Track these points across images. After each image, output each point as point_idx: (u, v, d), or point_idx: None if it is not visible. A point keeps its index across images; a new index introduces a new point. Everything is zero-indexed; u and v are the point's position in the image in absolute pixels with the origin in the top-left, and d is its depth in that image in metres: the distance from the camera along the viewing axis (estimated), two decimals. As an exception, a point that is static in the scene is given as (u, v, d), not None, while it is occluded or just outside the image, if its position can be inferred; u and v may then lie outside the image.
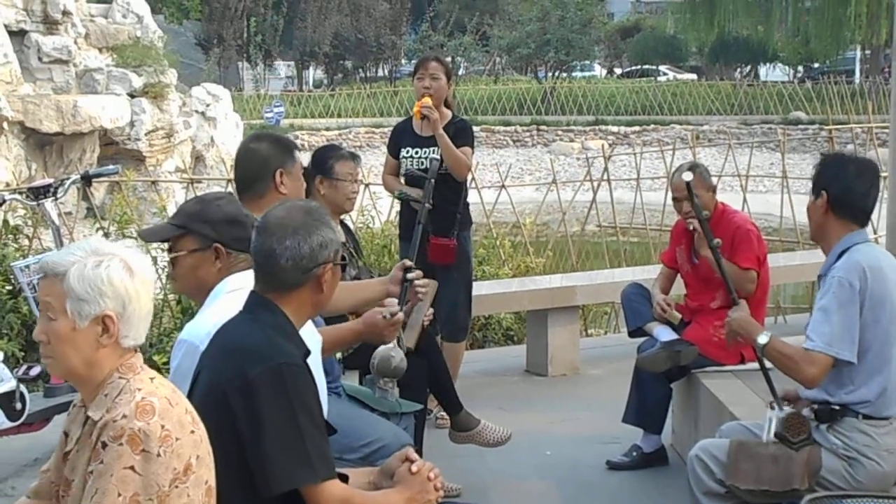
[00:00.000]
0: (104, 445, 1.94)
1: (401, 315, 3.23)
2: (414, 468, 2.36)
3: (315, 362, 2.52)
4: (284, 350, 2.31)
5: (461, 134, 4.97)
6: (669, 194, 8.76)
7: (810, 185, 3.27)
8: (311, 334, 2.65)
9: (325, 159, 4.24)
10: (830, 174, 3.21)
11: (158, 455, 1.93)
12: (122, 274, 2.03)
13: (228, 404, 2.23)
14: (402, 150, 5.06)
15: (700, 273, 4.53)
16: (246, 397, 2.24)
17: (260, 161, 3.26)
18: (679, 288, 4.86)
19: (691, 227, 4.46)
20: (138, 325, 2.06)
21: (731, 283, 3.47)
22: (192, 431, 2.03)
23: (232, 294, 2.66)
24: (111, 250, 2.07)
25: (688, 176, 3.57)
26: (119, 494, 1.92)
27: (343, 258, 2.48)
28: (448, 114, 5.03)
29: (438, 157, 4.85)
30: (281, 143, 3.33)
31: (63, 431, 2.18)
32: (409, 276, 3.41)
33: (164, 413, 1.98)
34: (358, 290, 3.67)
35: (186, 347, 2.59)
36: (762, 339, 3.17)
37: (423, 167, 4.84)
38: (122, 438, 1.93)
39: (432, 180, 4.01)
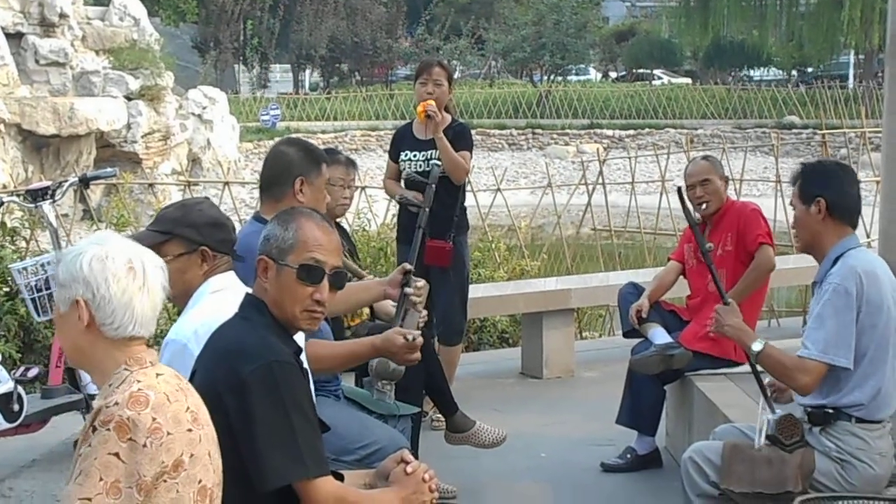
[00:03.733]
0: (94, 430, 1.97)
1: (420, 340, 3.19)
2: (409, 469, 2.38)
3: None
4: (275, 348, 2.35)
5: (460, 137, 4.99)
6: (664, 197, 8.89)
7: (795, 195, 3.28)
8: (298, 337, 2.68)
9: None
10: (822, 181, 3.23)
11: (144, 445, 1.95)
12: (94, 262, 2.06)
13: (222, 403, 2.26)
14: (402, 153, 5.08)
15: (705, 270, 4.54)
16: (238, 395, 2.27)
17: (284, 165, 3.28)
18: (681, 291, 4.89)
19: (704, 208, 4.49)
20: (115, 313, 2.06)
21: (721, 287, 3.50)
22: (190, 430, 2.03)
23: (215, 294, 2.71)
24: (108, 241, 2.10)
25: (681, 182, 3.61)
26: (101, 479, 1.93)
27: (307, 267, 2.42)
28: (448, 118, 5.05)
29: (439, 161, 4.87)
30: (310, 153, 3.33)
31: None
32: (407, 290, 3.44)
33: (158, 406, 2.00)
34: (355, 292, 3.69)
35: (174, 347, 2.63)
36: (756, 346, 3.19)
37: (423, 170, 4.86)
38: (111, 424, 1.95)
39: (433, 185, 4.02)
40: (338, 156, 4.35)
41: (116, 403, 1.98)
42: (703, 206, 4.49)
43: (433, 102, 4.89)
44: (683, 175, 4.64)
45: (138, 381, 2.04)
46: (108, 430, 1.95)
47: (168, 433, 1.98)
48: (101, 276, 2.06)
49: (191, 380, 2.39)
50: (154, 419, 1.98)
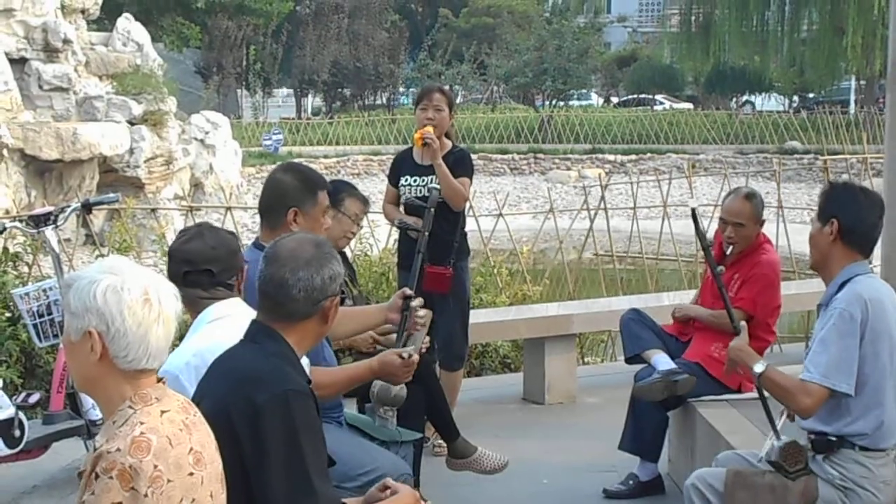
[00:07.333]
0: (97, 476, 1.94)
1: (416, 357, 3.20)
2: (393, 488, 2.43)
3: None
4: (291, 378, 2.35)
5: (460, 164, 5.00)
6: (666, 222, 8.89)
7: (814, 212, 3.25)
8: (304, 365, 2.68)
9: (339, 191, 4.30)
10: (841, 202, 3.19)
11: (146, 495, 1.92)
12: (109, 293, 2.00)
13: (234, 430, 2.26)
14: (402, 178, 5.09)
15: (716, 287, 4.52)
16: (252, 423, 2.27)
17: (278, 194, 3.28)
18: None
19: (728, 250, 4.47)
20: (129, 346, 2.00)
21: (731, 311, 3.49)
22: (191, 473, 2.00)
23: (214, 323, 2.71)
24: (122, 270, 2.04)
25: (693, 203, 3.63)
26: None
27: (341, 289, 2.52)
28: (448, 144, 5.06)
29: (438, 186, 4.87)
30: (306, 181, 3.31)
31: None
32: (413, 303, 3.43)
33: (159, 452, 1.96)
34: (357, 317, 3.70)
35: (168, 380, 2.61)
36: (758, 367, 3.19)
37: (422, 195, 4.86)
38: (113, 472, 1.92)
39: (432, 209, 4.02)
40: (358, 192, 4.38)
41: (118, 450, 1.94)
42: (729, 248, 4.45)
43: (431, 129, 4.90)
44: (722, 203, 4.57)
45: (141, 423, 1.99)
46: (111, 478, 1.92)
47: (168, 480, 1.95)
48: (117, 309, 1.99)
49: (197, 406, 2.39)
50: (156, 466, 1.94)
